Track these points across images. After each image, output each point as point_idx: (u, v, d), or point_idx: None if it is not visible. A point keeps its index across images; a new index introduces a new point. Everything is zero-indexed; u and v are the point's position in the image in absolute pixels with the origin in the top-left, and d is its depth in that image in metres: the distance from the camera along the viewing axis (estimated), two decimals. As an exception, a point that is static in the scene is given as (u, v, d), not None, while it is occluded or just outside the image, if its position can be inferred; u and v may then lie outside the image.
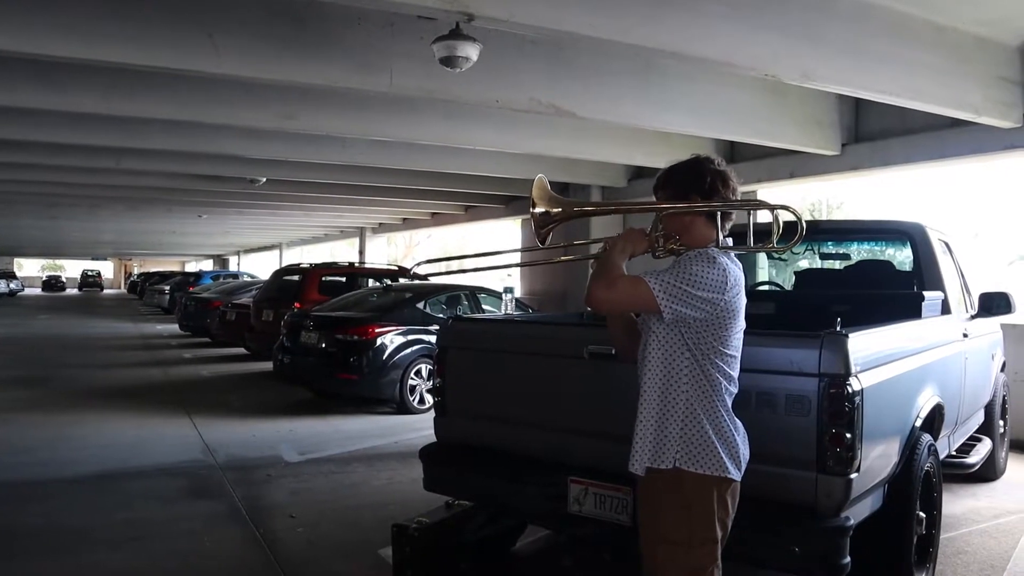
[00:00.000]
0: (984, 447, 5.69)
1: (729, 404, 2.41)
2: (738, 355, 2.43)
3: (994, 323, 6.16)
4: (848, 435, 2.95)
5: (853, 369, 2.99)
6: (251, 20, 5.76)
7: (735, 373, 2.42)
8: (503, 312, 5.30)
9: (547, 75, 6.88)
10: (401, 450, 7.38)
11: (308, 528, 5.09)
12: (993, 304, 5.61)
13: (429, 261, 3.08)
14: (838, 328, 3.08)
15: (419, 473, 6.29)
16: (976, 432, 5.87)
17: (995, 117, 7.06)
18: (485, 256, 3.13)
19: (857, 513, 3.14)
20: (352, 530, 5.07)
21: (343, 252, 35.84)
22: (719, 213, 2.46)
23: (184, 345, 17.30)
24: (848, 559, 2.96)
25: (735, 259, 2.45)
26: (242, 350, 15.00)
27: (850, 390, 2.96)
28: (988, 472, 6.18)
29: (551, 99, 7.01)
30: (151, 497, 5.74)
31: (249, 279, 23.11)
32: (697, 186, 2.48)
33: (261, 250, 39.85)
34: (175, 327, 20.51)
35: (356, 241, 27.46)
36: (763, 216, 2.67)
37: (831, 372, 2.97)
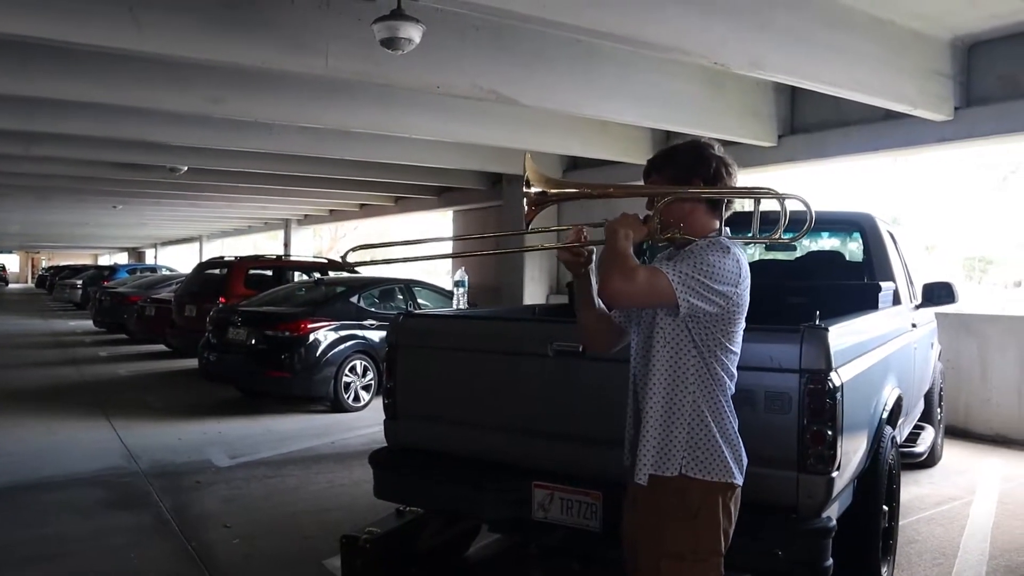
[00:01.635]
0: (928, 435, 5.75)
1: (731, 403, 2.24)
2: (739, 352, 2.27)
3: (931, 313, 6.24)
4: (830, 432, 2.85)
5: (834, 363, 2.88)
6: (174, -6, 5.37)
7: (735, 371, 2.26)
8: (456, 306, 5.07)
9: (489, 60, 6.66)
10: (338, 451, 7.10)
11: (245, 539, 4.78)
12: (935, 294, 5.66)
13: (363, 247, 2.80)
14: (817, 321, 2.97)
15: (360, 475, 6.11)
16: (918, 421, 5.92)
17: (929, 110, 7.15)
18: (426, 243, 2.89)
19: (835, 512, 3.04)
20: (293, 539, 4.78)
21: (266, 245, 34.91)
22: (723, 201, 2.29)
23: (99, 343, 16.49)
24: (831, 561, 2.85)
25: (743, 249, 2.28)
26: (163, 347, 14.37)
27: (831, 386, 2.85)
28: (928, 459, 6.25)
29: (493, 85, 6.79)
30: (68, 510, 5.33)
31: (168, 273, 22.21)
32: (701, 171, 2.31)
33: (180, 243, 38.46)
34: (89, 323, 19.57)
35: (279, 234, 26.71)
36: (745, 204, 2.53)
37: (812, 368, 2.86)
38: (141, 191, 16.66)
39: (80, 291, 26.94)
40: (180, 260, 36.05)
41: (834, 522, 2.91)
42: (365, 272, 10.53)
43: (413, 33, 5.40)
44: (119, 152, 11.36)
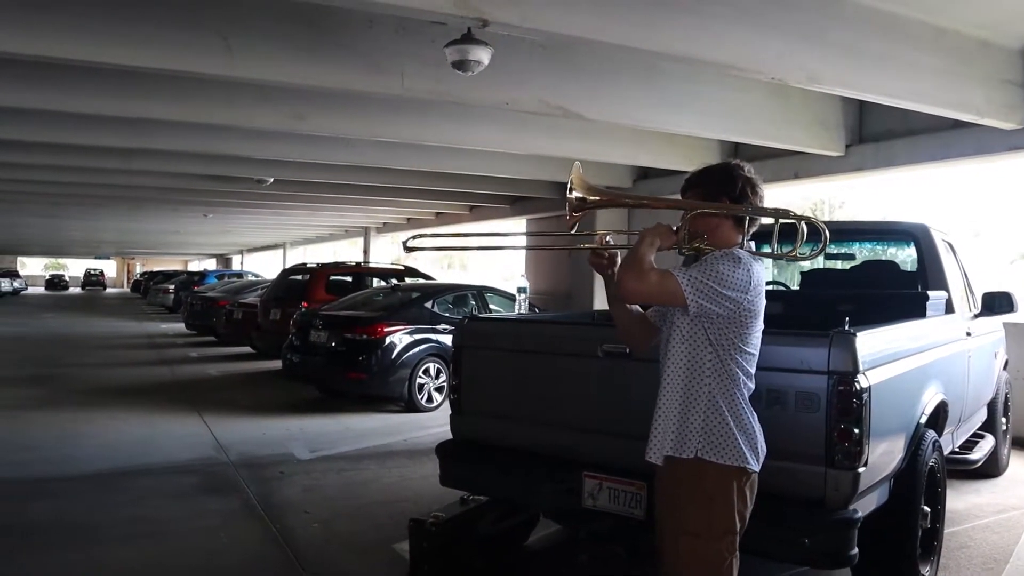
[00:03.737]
0: (987, 444, 5.78)
1: (747, 398, 2.50)
2: (756, 353, 2.52)
3: (997, 322, 6.26)
4: (856, 431, 3.05)
5: (861, 367, 3.08)
6: (264, 23, 5.85)
7: (753, 370, 2.51)
8: (517, 311, 5.37)
9: (555, 78, 6.97)
10: (410, 448, 7.48)
11: (323, 524, 5.19)
12: (995, 303, 5.71)
13: (424, 235, 3.16)
14: (846, 327, 3.17)
15: (429, 470, 6.47)
16: (979, 429, 5.96)
17: (998, 119, 7.13)
18: (485, 236, 3.23)
19: (864, 506, 3.23)
20: (366, 525, 5.16)
21: (346, 252, 35.95)
22: (747, 217, 2.55)
23: (190, 344, 17.41)
24: (856, 550, 3.05)
25: (759, 261, 2.54)
26: (248, 349, 15.13)
27: (858, 387, 3.05)
28: (991, 468, 6.27)
29: (559, 101, 7.10)
30: (163, 494, 5.84)
31: (254, 278, 23.22)
32: (728, 190, 2.59)
33: (264, 249, 39.94)
34: (180, 326, 20.64)
35: (359, 241, 27.54)
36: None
37: (840, 370, 3.07)
38: (229, 201, 17.56)
39: (172, 295, 28.25)
40: (265, 266, 37.44)
41: (860, 514, 3.11)
42: (441, 278, 10.95)
43: (482, 56, 5.76)
44: (209, 165, 12.10)
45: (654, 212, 2.97)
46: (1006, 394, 6.74)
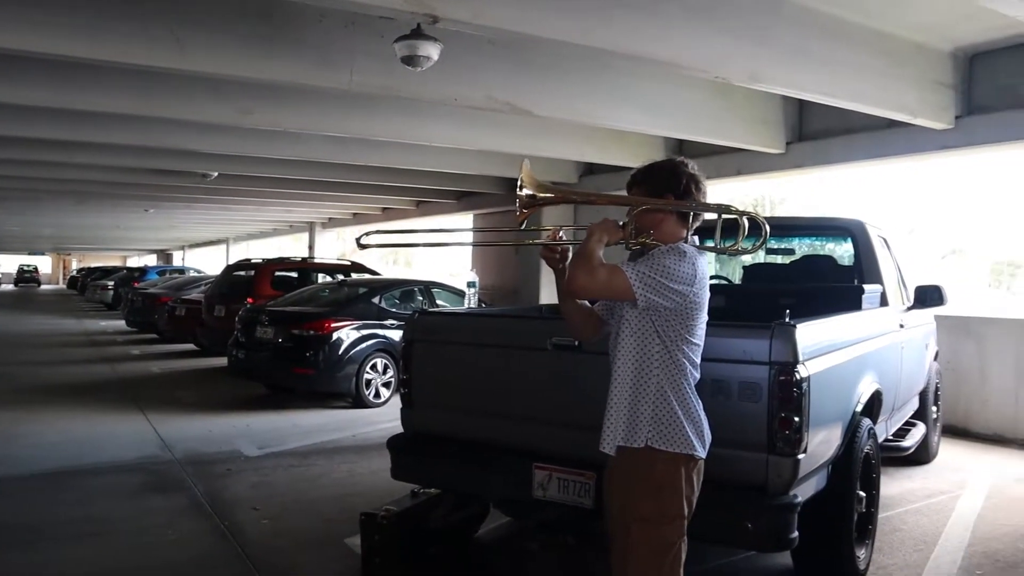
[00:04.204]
0: (918, 431, 6.02)
1: (694, 387, 2.58)
2: (702, 344, 2.61)
3: (928, 314, 6.50)
4: (796, 419, 3.17)
5: (801, 357, 3.21)
6: (214, 16, 5.78)
7: (698, 360, 2.60)
8: (467, 305, 5.40)
9: (505, 74, 7.02)
10: (359, 443, 7.48)
11: (273, 520, 5.17)
12: (927, 296, 5.93)
13: (379, 232, 3.18)
14: (787, 319, 3.29)
15: (378, 465, 6.49)
16: (911, 418, 6.20)
17: (930, 119, 7.42)
18: (436, 232, 3.28)
19: (804, 492, 3.36)
20: (316, 521, 5.15)
21: (290, 247, 35.47)
22: (691, 213, 2.63)
23: (131, 342, 17.04)
24: (796, 534, 3.18)
25: (703, 255, 2.63)
26: (191, 346, 14.89)
27: (798, 377, 3.17)
28: (922, 455, 6.53)
29: (508, 97, 7.15)
30: (110, 493, 5.74)
31: (196, 274, 22.80)
32: (673, 186, 2.66)
33: (207, 245, 39.21)
34: (120, 323, 20.17)
35: (303, 236, 27.24)
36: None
37: (780, 360, 3.19)
38: (172, 195, 17.21)
39: (111, 292, 27.62)
40: (207, 262, 36.76)
41: (800, 499, 3.24)
42: (387, 274, 10.92)
43: (432, 51, 5.78)
44: (153, 159, 11.85)
45: (600, 208, 3.04)
46: (936, 384, 7.02)
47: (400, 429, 4.42)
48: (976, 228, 31.39)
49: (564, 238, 2.76)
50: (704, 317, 2.60)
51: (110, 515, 5.24)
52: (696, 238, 2.71)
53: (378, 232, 3.10)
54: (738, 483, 3.18)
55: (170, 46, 5.71)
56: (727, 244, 2.72)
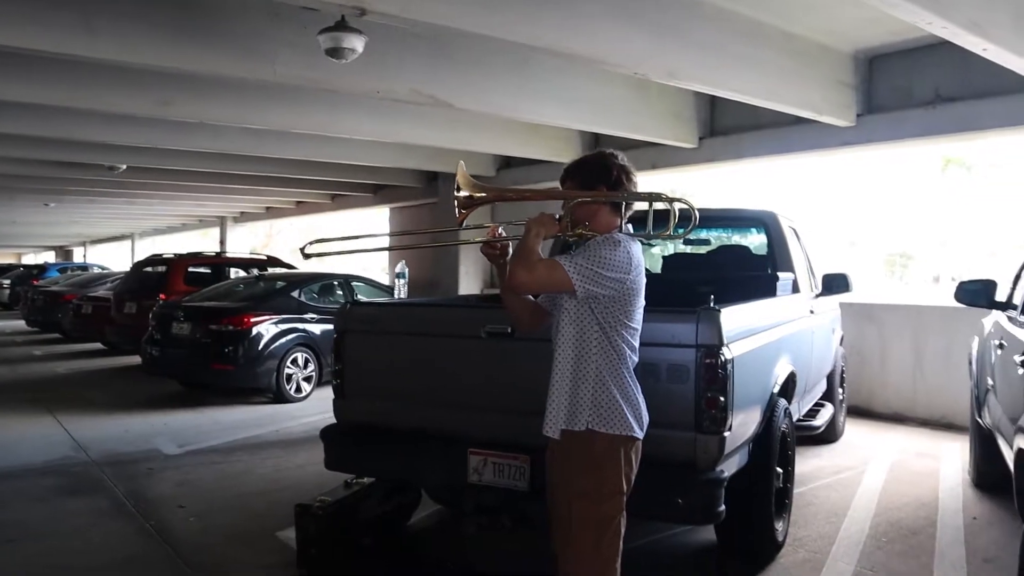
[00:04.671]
0: (827, 411, 6.37)
1: (632, 371, 2.71)
2: (639, 328, 2.73)
3: (835, 301, 6.87)
4: (721, 398, 3.35)
5: (725, 340, 3.38)
6: (130, 4, 5.60)
7: (637, 344, 2.72)
8: (397, 296, 5.42)
9: (428, 67, 7.04)
10: (283, 438, 7.41)
11: (200, 517, 5.09)
12: (834, 284, 6.26)
13: (320, 241, 3.21)
14: (711, 304, 3.46)
15: (304, 459, 6.47)
16: (820, 399, 6.54)
17: (833, 116, 7.80)
18: (377, 237, 3.32)
19: (729, 468, 3.55)
20: (246, 516, 5.11)
21: (195, 243, 34.42)
22: (623, 202, 2.75)
23: (32, 342, 16.31)
24: (723, 507, 3.36)
25: (636, 243, 2.75)
26: (99, 345, 14.36)
27: (723, 359, 3.35)
28: (830, 435, 6.89)
29: (431, 90, 7.18)
30: (23, 497, 5.53)
31: (100, 271, 21.96)
32: (605, 178, 2.77)
33: (111, 240, 37.63)
34: (19, 323, 19.24)
35: (211, 231, 26.51)
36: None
37: (707, 343, 3.36)
38: (76, 189, 16.48)
39: (8, 291, 26.36)
40: (111, 259, 35.37)
41: (726, 474, 3.42)
42: (304, 267, 10.78)
43: (356, 43, 5.76)
44: (57, 151, 11.34)
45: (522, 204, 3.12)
46: (842, 367, 7.41)
47: (326, 422, 4.44)
48: (871, 221, 32.97)
49: (504, 234, 2.84)
50: (641, 302, 2.72)
51: (27, 519, 5.06)
52: (630, 226, 2.82)
53: (320, 241, 3.12)
54: (668, 461, 3.32)
55: (80, 33, 5.50)
56: (659, 231, 2.84)
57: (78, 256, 41.65)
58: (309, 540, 4.10)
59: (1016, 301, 4.88)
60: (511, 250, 2.77)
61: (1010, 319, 4.75)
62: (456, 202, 2.82)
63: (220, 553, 4.47)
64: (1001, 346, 4.65)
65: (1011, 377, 4.02)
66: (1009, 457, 3.56)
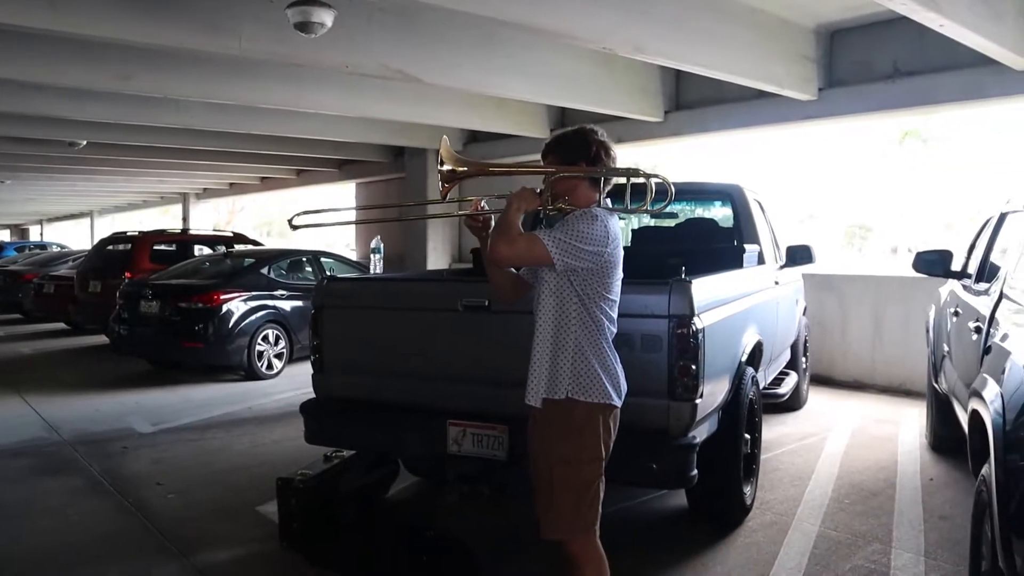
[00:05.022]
0: (791, 380, 6.55)
1: (611, 341, 2.80)
2: (618, 300, 2.82)
3: (797, 272, 7.04)
4: (693, 367, 3.47)
5: (696, 310, 3.49)
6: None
7: (615, 315, 2.82)
8: (373, 271, 5.46)
9: (396, 41, 7.02)
10: (256, 415, 7.44)
11: (179, 494, 5.13)
12: (797, 255, 6.42)
13: (306, 212, 3.27)
14: (683, 276, 3.57)
15: (280, 435, 6.52)
16: (785, 367, 6.73)
17: (796, 90, 7.93)
18: (363, 210, 3.38)
19: (700, 434, 3.68)
20: (225, 491, 5.16)
21: (156, 220, 33.85)
22: (602, 178, 2.83)
23: (-9, 323, 16.05)
24: (695, 472, 3.49)
25: (615, 216, 2.83)
26: (62, 325, 14.19)
27: (694, 328, 3.46)
28: (794, 403, 7.10)
29: (399, 65, 7.17)
30: (-3, 477, 5.53)
31: (60, 250, 21.58)
32: (584, 153, 2.84)
33: (69, 218, 36.89)
34: (-23, 304, 18.86)
35: (172, 208, 26.05)
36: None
37: (679, 313, 3.47)
38: (33, 166, 16.11)
39: (-37, 271, 25.72)
40: (69, 237, 34.71)
41: (698, 440, 3.55)
42: (269, 244, 10.71)
43: (325, 18, 5.75)
44: (14, 126, 11.05)
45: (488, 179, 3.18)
46: (805, 336, 7.61)
47: (299, 398, 4.50)
48: (831, 194, 33.48)
49: (486, 208, 2.91)
50: (619, 274, 2.81)
51: (1, 500, 5.05)
52: (608, 200, 2.91)
53: (306, 213, 3.16)
54: (643, 428, 3.43)
55: (42, 6, 5.42)
56: (636, 205, 2.93)
57: (34, 235, 40.77)
58: (291, 513, 4.17)
59: (970, 270, 5.06)
60: (493, 223, 2.84)
61: (965, 288, 4.94)
62: (439, 175, 2.87)
63: (202, 528, 4.52)
64: (956, 314, 4.84)
65: (965, 343, 4.19)
66: (964, 420, 3.73)
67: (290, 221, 3.09)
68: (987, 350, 3.39)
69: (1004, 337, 3.16)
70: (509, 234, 2.68)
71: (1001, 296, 3.60)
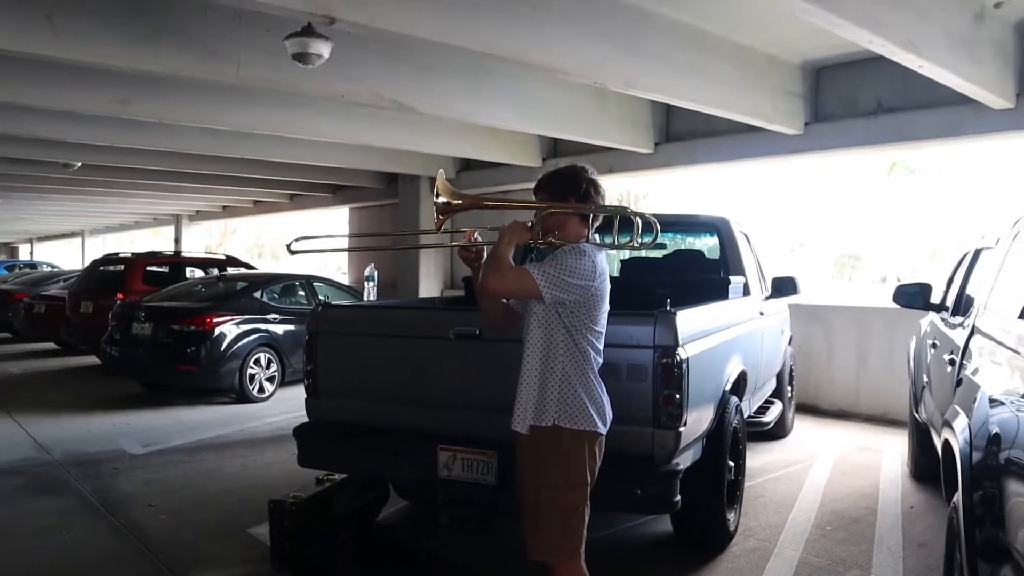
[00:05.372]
0: (776, 408, 6.67)
1: (597, 371, 2.91)
2: (604, 331, 2.94)
3: (783, 303, 7.18)
4: (677, 396, 3.58)
5: (680, 341, 3.61)
6: (93, 3, 5.65)
7: (601, 346, 2.94)
8: (367, 298, 5.54)
9: (390, 71, 7.18)
10: (248, 438, 7.49)
11: (171, 515, 5.18)
12: (782, 287, 6.57)
13: (305, 238, 3.38)
14: (668, 307, 3.69)
15: (271, 458, 6.57)
16: (770, 396, 6.84)
17: (783, 125, 8.13)
18: (365, 237, 3.49)
19: (684, 461, 3.78)
20: (216, 513, 5.21)
21: (148, 241, 33.80)
22: (591, 214, 2.96)
23: (-20, 342, 16.03)
24: (679, 497, 3.59)
25: (602, 252, 2.96)
26: (52, 345, 14.20)
27: (678, 359, 3.58)
28: (779, 430, 7.20)
29: (393, 94, 7.32)
30: (-12, 497, 5.56)
31: (51, 269, 21.58)
32: (575, 190, 2.98)
33: (59, 238, 36.86)
34: (-34, 322, 18.82)
35: (164, 229, 26.02)
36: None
37: (663, 344, 3.59)
38: (26, 186, 16.17)
39: (-48, 289, 25.63)
40: (60, 257, 34.63)
41: (682, 467, 3.65)
42: (262, 267, 10.77)
43: (323, 49, 5.88)
44: (9, 147, 11.16)
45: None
46: (791, 366, 7.74)
47: (290, 421, 4.58)
48: (821, 223, 33.82)
49: (479, 239, 3.03)
50: (606, 307, 2.93)
51: (-7, 520, 5.10)
52: (596, 236, 3.03)
53: (304, 239, 3.28)
54: (628, 454, 3.54)
55: (44, 31, 5.53)
56: (623, 240, 3.05)
57: (24, 253, 40.68)
58: (283, 535, 4.24)
59: (948, 303, 5.20)
60: (486, 254, 2.95)
61: (943, 320, 5.08)
62: (435, 208, 2.99)
63: (194, 549, 4.58)
64: (934, 345, 4.98)
65: (942, 374, 4.32)
66: (940, 449, 3.85)
67: (289, 246, 3.20)
68: (959, 382, 3.52)
69: (975, 371, 3.29)
70: (500, 267, 2.80)
71: (973, 330, 3.73)
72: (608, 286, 2.93)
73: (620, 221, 2.99)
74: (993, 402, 2.60)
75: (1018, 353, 2.73)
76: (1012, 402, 2.44)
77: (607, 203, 3.07)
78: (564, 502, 2.82)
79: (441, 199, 3.01)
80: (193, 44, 6.12)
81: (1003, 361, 2.95)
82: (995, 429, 2.41)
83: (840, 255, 35.79)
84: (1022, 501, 2.01)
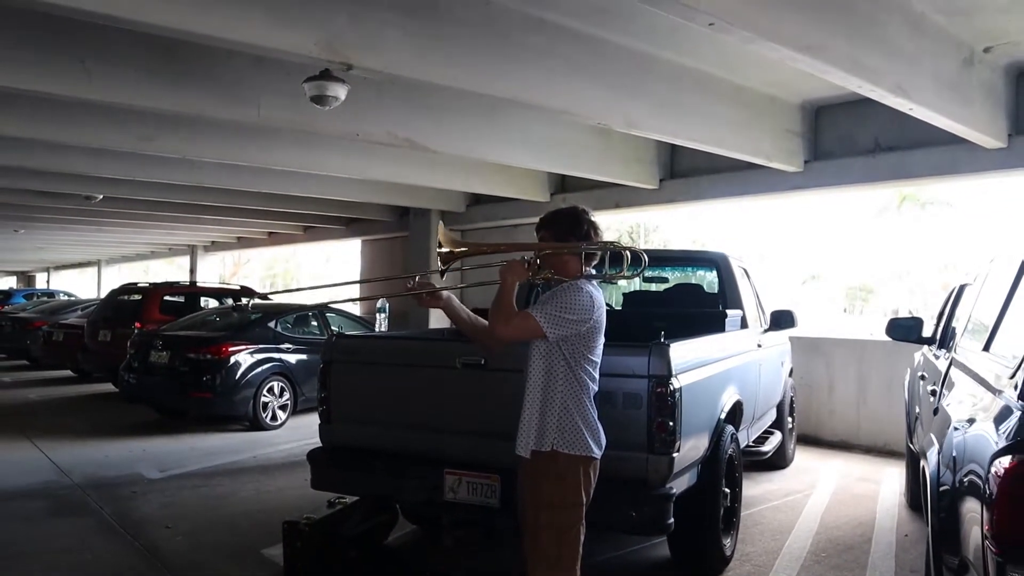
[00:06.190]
0: (775, 439, 6.83)
1: (592, 398, 3.14)
2: (599, 361, 3.17)
3: (784, 335, 7.37)
4: (671, 423, 3.78)
5: (674, 371, 3.82)
6: (123, 48, 5.95)
7: (597, 375, 3.17)
8: (378, 328, 5.76)
9: (404, 112, 7.50)
10: (261, 464, 7.69)
11: (187, 536, 5.38)
12: (781, 319, 6.76)
13: (322, 286, 3.67)
14: (662, 339, 3.91)
15: (284, 483, 6.78)
16: (770, 427, 7.01)
17: (783, 163, 8.38)
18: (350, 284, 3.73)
19: (678, 486, 3.98)
20: (231, 535, 5.40)
21: (163, 270, 34.29)
22: (586, 252, 3.19)
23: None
24: (672, 520, 3.78)
25: (597, 286, 3.19)
26: (69, 372, 14.48)
27: (672, 388, 3.79)
28: (780, 461, 7.35)
29: (407, 134, 7.63)
30: (11, 518, 5.76)
31: (68, 298, 21.95)
32: (576, 231, 3.23)
33: (76, 267, 37.38)
34: (-15, 350, 19.17)
35: (178, 259, 26.32)
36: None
37: (657, 374, 3.80)
38: (48, 217, 16.62)
39: (-29, 317, 26.05)
40: (76, 285, 35.13)
41: (675, 491, 3.85)
42: (278, 299, 11.05)
43: (340, 92, 6.19)
44: (36, 181, 11.55)
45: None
46: (792, 397, 7.90)
47: (302, 448, 4.78)
48: (832, 256, 34.01)
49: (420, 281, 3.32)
50: (602, 339, 3.17)
51: (18, 539, 5.30)
52: (592, 270, 3.27)
53: (322, 287, 3.53)
54: (624, 478, 3.74)
55: (79, 75, 5.87)
56: (614, 272, 3.29)
57: (40, 282, 41.21)
58: (296, 555, 4.44)
59: (937, 337, 5.40)
60: (444, 295, 3.22)
61: (933, 353, 5.27)
62: (438, 257, 3.25)
63: (210, 569, 4.78)
64: (923, 377, 5.16)
65: (927, 405, 4.51)
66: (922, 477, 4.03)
67: (255, 295, 3.45)
68: (935, 412, 3.71)
69: (949, 401, 3.48)
70: (507, 314, 3.06)
71: (952, 362, 3.93)
72: (604, 318, 3.16)
73: (611, 255, 3.23)
74: (956, 429, 2.79)
75: (980, 381, 2.93)
76: (968, 426, 2.64)
77: (605, 239, 3.31)
78: (561, 521, 3.03)
79: (443, 249, 3.26)
80: (217, 87, 6.45)
81: (969, 389, 3.15)
82: (954, 452, 2.61)
83: (852, 287, 35.91)
84: (974, 517, 2.20)
